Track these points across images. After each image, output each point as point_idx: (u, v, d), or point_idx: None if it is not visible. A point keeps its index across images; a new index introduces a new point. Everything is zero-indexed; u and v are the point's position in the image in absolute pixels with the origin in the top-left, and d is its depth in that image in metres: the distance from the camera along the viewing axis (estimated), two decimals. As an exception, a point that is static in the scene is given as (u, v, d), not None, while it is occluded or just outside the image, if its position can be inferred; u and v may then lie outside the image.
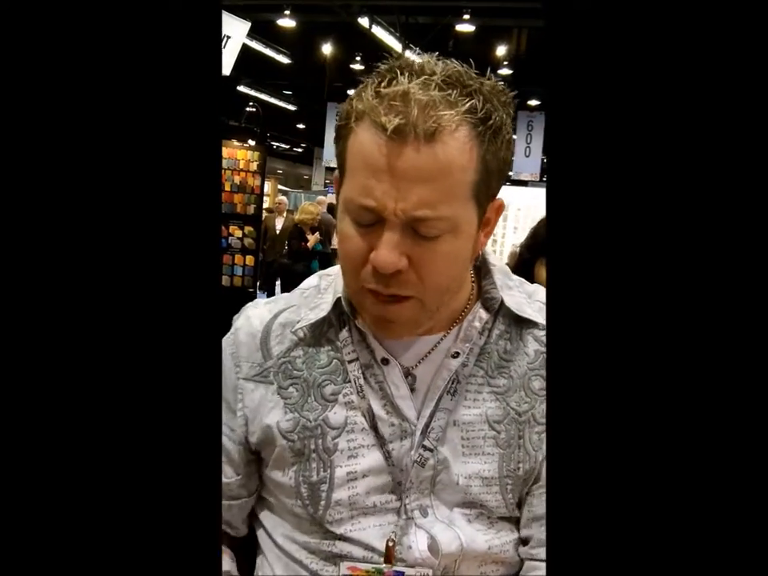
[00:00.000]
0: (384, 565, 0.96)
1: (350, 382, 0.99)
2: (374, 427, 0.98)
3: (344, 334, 1.01)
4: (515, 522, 1.03)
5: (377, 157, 0.83)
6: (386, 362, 0.99)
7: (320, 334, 1.01)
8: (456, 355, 1.00)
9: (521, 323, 1.02)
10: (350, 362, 1.00)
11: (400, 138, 0.82)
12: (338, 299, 1.00)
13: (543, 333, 1.02)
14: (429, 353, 1.01)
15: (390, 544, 0.97)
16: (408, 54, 1.23)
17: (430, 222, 0.85)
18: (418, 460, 0.98)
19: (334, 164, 1.29)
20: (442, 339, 1.01)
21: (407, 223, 0.85)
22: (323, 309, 1.01)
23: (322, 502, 0.97)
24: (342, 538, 0.97)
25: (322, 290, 1.04)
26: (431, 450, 0.98)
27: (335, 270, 1.05)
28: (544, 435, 1.01)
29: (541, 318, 1.02)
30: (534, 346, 1.03)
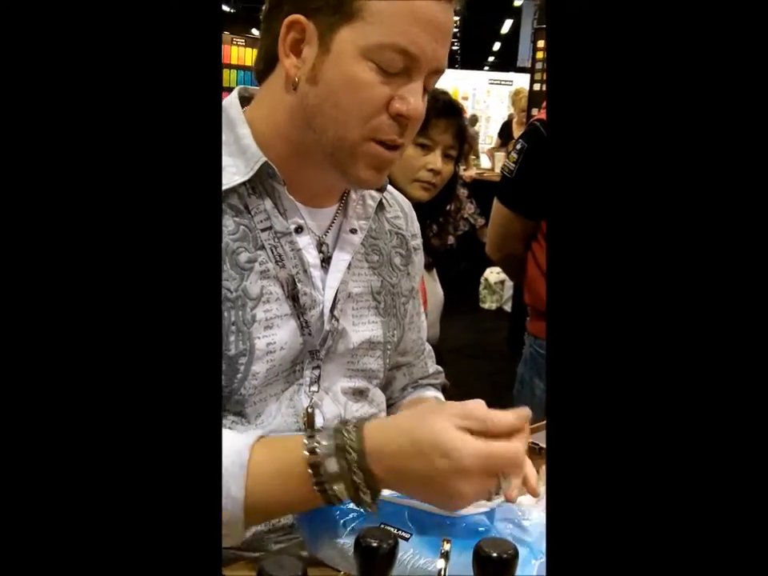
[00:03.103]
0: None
1: (262, 249, 0.96)
2: (294, 297, 0.97)
3: (255, 200, 0.96)
4: (381, 394, 1.14)
5: (423, 6, 0.87)
6: (299, 230, 0.99)
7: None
8: (354, 231, 1.05)
9: (377, 206, 1.09)
10: (263, 230, 0.96)
11: None
12: (264, 164, 0.94)
13: (391, 215, 1.14)
14: (330, 225, 1.04)
15: (310, 411, 0.99)
16: None
17: (439, 76, 0.95)
18: (331, 330, 1.01)
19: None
20: (337, 212, 1.05)
21: (427, 75, 0.92)
22: (235, 173, 0.94)
23: (239, 375, 0.94)
24: (241, 414, 0.96)
25: None
26: (337, 321, 1.01)
27: None
28: (408, 306, 1.17)
29: (390, 198, 1.15)
30: (387, 226, 1.13)
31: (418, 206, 1.88)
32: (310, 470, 0.80)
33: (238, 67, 7.73)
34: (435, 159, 1.93)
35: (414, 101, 0.90)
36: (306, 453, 0.81)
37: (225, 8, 7.69)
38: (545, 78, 6.64)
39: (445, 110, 1.93)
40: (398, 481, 0.81)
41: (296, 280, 0.97)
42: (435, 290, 2.20)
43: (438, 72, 0.93)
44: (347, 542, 0.83)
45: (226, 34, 7.47)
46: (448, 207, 2.12)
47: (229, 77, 7.46)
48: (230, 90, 1.04)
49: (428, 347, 1.30)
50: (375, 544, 0.63)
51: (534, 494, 0.89)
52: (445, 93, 2.02)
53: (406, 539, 0.81)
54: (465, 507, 0.81)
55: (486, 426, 0.78)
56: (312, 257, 1.00)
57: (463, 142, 2.01)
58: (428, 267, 2.10)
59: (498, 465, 0.78)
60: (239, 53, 7.76)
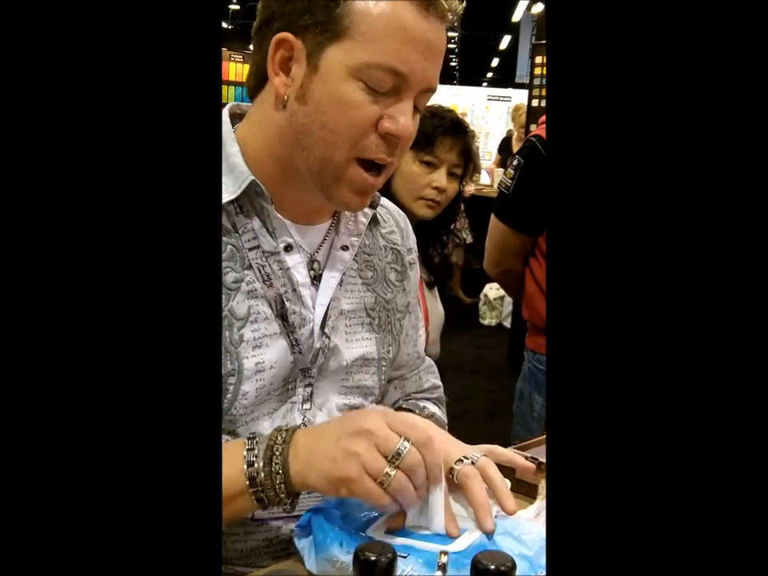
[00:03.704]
0: None
1: (249, 268, 0.96)
2: (282, 316, 0.97)
3: (243, 219, 0.96)
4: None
5: (412, 25, 0.87)
6: (289, 249, 0.99)
7: None
8: (345, 248, 1.05)
9: (371, 221, 1.09)
10: (250, 249, 0.96)
11: (431, 12, 0.87)
12: (252, 182, 0.94)
13: (386, 230, 1.14)
14: (322, 243, 1.04)
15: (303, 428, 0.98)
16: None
17: (430, 95, 0.94)
18: (322, 348, 1.01)
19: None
20: (329, 229, 1.05)
21: (418, 94, 0.91)
22: (224, 191, 0.93)
23: (229, 395, 0.94)
24: (234, 433, 0.95)
25: None
26: (329, 338, 1.02)
27: None
28: (404, 321, 1.16)
29: (385, 213, 1.15)
30: (382, 242, 1.13)
31: (421, 223, 1.89)
32: (247, 482, 0.82)
33: (235, 83, 7.74)
34: (440, 177, 1.93)
35: (403, 120, 0.90)
36: (245, 466, 0.82)
37: (223, 24, 7.65)
38: (543, 93, 6.67)
39: (451, 128, 1.94)
40: (306, 463, 0.81)
41: (284, 299, 0.97)
42: (436, 309, 2.20)
43: (430, 91, 0.93)
44: (345, 560, 0.83)
45: (223, 50, 7.48)
46: (451, 226, 2.12)
47: (226, 93, 7.47)
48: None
49: (428, 361, 1.29)
50: (374, 558, 0.63)
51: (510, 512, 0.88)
52: (451, 111, 2.03)
53: (405, 557, 0.81)
54: (351, 477, 0.79)
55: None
56: (301, 276, 1.00)
57: (468, 160, 2.02)
58: (429, 286, 2.10)
59: (394, 443, 0.79)
60: (237, 69, 7.77)
